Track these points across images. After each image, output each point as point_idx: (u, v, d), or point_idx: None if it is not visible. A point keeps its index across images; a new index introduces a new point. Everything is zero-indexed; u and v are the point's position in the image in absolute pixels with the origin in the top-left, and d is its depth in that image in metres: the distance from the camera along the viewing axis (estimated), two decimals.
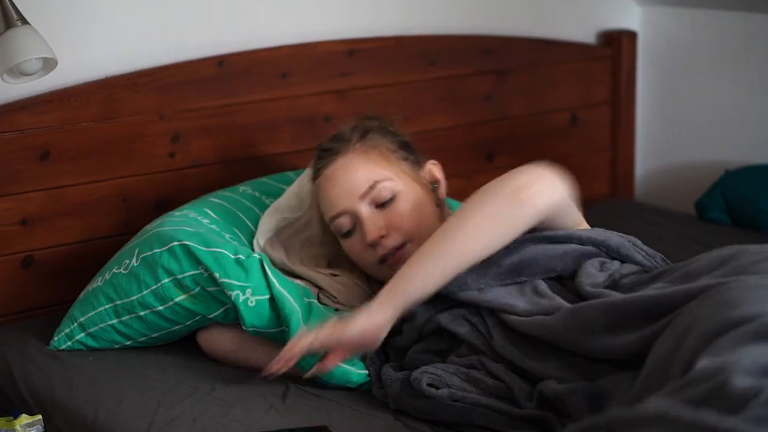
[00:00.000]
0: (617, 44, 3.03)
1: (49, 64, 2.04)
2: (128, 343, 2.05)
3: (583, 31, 3.06)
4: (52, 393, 1.93)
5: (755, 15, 2.90)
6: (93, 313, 2.04)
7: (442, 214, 1.99)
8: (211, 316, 1.97)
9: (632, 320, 1.56)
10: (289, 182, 2.34)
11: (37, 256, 2.26)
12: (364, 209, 1.93)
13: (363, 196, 1.92)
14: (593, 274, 1.73)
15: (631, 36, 3.06)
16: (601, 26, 3.08)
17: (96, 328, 2.04)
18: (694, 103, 3.06)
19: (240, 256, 1.93)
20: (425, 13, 2.77)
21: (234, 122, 2.48)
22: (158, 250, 1.99)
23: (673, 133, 3.09)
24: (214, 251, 1.94)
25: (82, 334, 2.05)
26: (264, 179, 2.38)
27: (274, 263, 2.06)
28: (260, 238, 2.16)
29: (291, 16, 2.60)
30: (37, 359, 2.04)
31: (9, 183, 2.21)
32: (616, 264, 1.78)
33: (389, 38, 2.68)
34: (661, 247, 1.91)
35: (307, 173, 2.18)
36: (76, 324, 2.05)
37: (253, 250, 2.11)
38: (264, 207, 2.26)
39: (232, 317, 1.95)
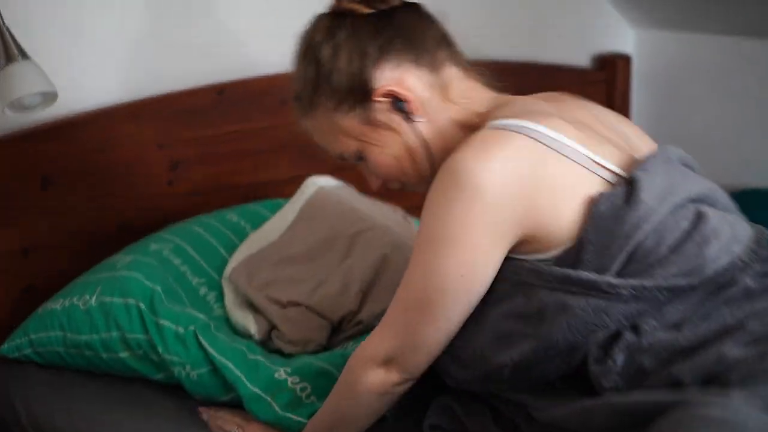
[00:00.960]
0: (611, 68, 3.08)
1: (49, 97, 2.08)
2: (71, 366, 2.13)
3: (578, 55, 3.10)
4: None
5: (746, 40, 2.95)
6: (44, 334, 2.12)
7: (437, 126, 1.65)
8: (153, 378, 2.04)
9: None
10: (277, 208, 2.38)
11: (38, 283, 2.29)
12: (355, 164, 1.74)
13: (341, 160, 1.75)
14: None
15: (625, 59, 3.11)
16: (595, 50, 3.13)
17: (43, 349, 2.13)
18: (686, 126, 3.11)
19: (180, 329, 1.99)
20: None
21: (233, 150, 2.52)
22: (116, 301, 2.06)
23: None
24: (160, 323, 2.01)
25: (30, 350, 2.15)
26: (252, 205, 2.44)
27: (237, 291, 2.13)
28: (228, 267, 2.22)
29: (290, 43, 2.63)
30: (36, 386, 2.09)
31: (10, 212, 2.24)
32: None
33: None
34: None
35: (294, 200, 2.25)
36: (26, 339, 2.14)
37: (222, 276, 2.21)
38: (244, 236, 2.32)
39: (174, 383, 2.01)
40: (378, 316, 2.11)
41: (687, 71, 3.10)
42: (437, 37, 1.65)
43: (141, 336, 2.03)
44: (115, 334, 2.05)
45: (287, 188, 2.57)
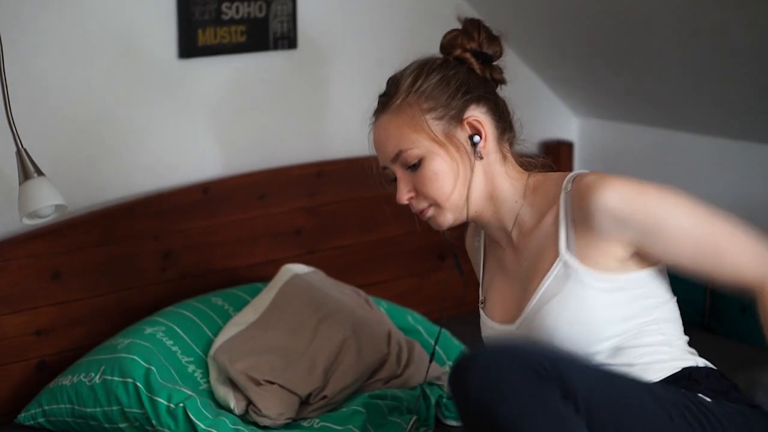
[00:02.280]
0: (555, 153, 3.43)
1: (60, 208, 2.44)
2: None
3: (526, 142, 3.46)
4: None
5: (676, 132, 3.32)
6: (55, 406, 2.48)
7: (488, 174, 1.94)
8: None
9: None
10: (257, 292, 2.74)
11: (50, 360, 2.65)
12: (398, 170, 1.95)
13: (393, 160, 1.94)
14: None
15: (568, 146, 3.47)
16: (541, 137, 3.48)
17: (54, 418, 2.49)
18: None
19: (171, 405, 2.34)
20: None
21: (217, 239, 2.87)
22: (117, 379, 2.41)
23: None
24: (154, 399, 2.36)
25: (43, 419, 2.51)
26: (235, 290, 2.77)
27: (220, 369, 2.48)
28: (213, 347, 2.55)
29: (268, 144, 3.01)
30: None
31: (25, 300, 2.59)
32: None
33: (353, 159, 3.09)
34: None
35: (271, 286, 2.66)
36: (40, 409, 2.51)
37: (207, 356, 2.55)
38: (228, 318, 2.66)
39: None
40: (340, 393, 2.49)
41: (624, 157, 3.46)
42: (510, 118, 2.00)
43: (138, 410, 2.39)
44: (115, 408, 2.41)
45: (263, 270, 2.90)
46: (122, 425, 2.41)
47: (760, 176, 3.20)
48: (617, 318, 1.83)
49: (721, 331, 3.17)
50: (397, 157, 1.92)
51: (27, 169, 2.40)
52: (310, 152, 3.06)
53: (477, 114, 1.91)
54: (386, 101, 1.95)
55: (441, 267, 3.25)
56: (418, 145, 1.90)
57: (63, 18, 2.63)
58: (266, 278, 2.84)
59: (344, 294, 2.76)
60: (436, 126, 1.90)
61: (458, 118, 1.91)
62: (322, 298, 2.68)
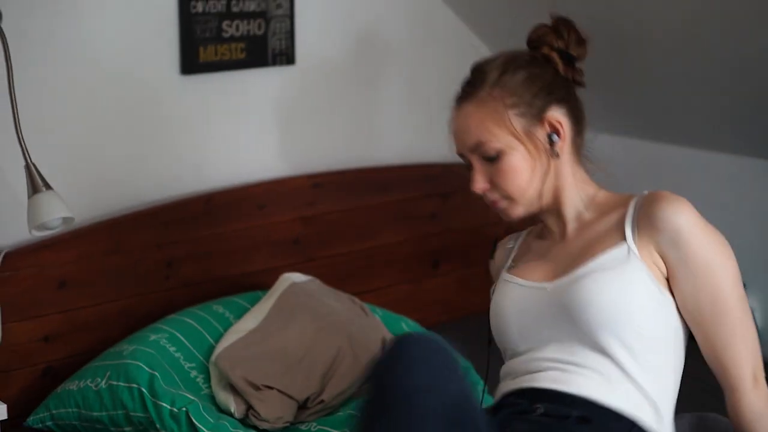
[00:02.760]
0: None
1: (67, 220, 2.54)
2: None
3: None
4: None
5: (670, 146, 3.41)
6: (62, 410, 2.59)
7: (559, 172, 1.95)
8: None
9: None
10: (256, 300, 2.85)
11: (56, 366, 2.75)
12: (474, 160, 1.96)
13: (472, 150, 1.95)
14: None
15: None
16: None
17: (62, 422, 2.60)
18: None
19: (174, 409, 2.44)
20: (378, 149, 3.29)
21: (218, 248, 2.97)
22: (122, 385, 2.51)
23: None
24: (158, 403, 2.46)
25: (51, 422, 2.61)
26: (235, 298, 2.88)
27: (221, 374, 2.58)
28: (215, 353, 2.65)
29: (267, 156, 3.11)
30: None
31: (33, 308, 2.69)
32: None
33: (348, 171, 3.19)
34: None
35: (270, 294, 2.76)
36: (48, 413, 2.61)
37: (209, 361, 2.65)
38: (229, 325, 2.76)
39: None
40: (336, 397, 2.59)
41: (616, 169, 3.53)
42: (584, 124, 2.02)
43: (142, 414, 2.49)
44: (120, 412, 2.52)
45: (263, 278, 3.01)
46: (127, 429, 2.52)
47: (752, 189, 3.29)
48: (654, 316, 1.85)
49: None
50: (477, 147, 1.94)
51: (36, 182, 2.50)
52: (307, 164, 3.17)
53: (557, 114, 1.93)
54: (470, 91, 1.96)
55: (434, 274, 3.35)
56: (499, 138, 1.92)
57: (70, 36, 2.73)
58: (266, 286, 2.94)
59: (340, 302, 2.86)
60: (518, 122, 1.92)
61: (539, 116, 1.93)
62: (319, 306, 2.79)
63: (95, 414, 2.54)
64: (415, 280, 3.30)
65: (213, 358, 2.65)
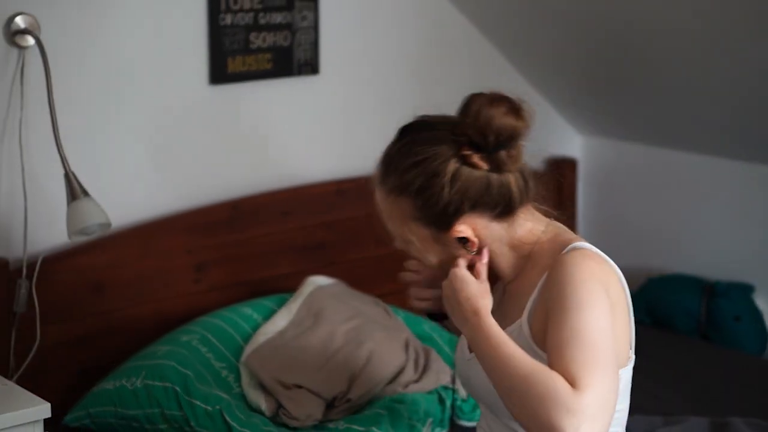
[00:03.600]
0: (559, 170, 3.62)
1: (105, 226, 2.63)
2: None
3: (530, 158, 3.66)
4: None
5: (679, 152, 3.51)
6: (99, 408, 2.68)
7: (489, 250, 1.86)
8: None
9: None
10: (283, 302, 2.94)
11: (92, 366, 2.83)
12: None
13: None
14: None
15: (572, 163, 3.67)
16: (545, 154, 3.66)
17: (99, 420, 2.69)
18: (623, 220, 3.66)
19: (208, 407, 2.54)
20: None
21: (244, 253, 3.07)
22: (157, 384, 2.61)
23: (603, 246, 3.68)
24: (193, 402, 2.56)
25: (88, 420, 2.70)
26: (263, 300, 2.97)
27: (251, 374, 2.68)
28: (245, 353, 2.75)
29: (292, 163, 3.21)
30: None
31: (70, 310, 2.79)
32: None
33: (369, 178, 3.27)
34: None
35: (296, 296, 2.86)
36: (85, 411, 2.70)
37: (239, 360, 2.74)
38: (257, 326, 2.85)
39: None
40: (362, 396, 2.69)
41: (625, 175, 3.66)
42: (526, 188, 1.84)
43: (177, 413, 2.59)
44: (156, 410, 2.61)
45: (288, 282, 3.10)
46: (162, 426, 2.61)
47: (758, 195, 3.39)
48: None
49: (716, 338, 3.36)
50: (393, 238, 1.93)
51: (74, 189, 2.60)
52: (330, 171, 3.27)
53: (467, 222, 1.83)
54: (381, 174, 1.91)
55: None
56: (406, 237, 1.88)
57: (104, 49, 2.83)
58: (291, 289, 3.03)
59: (364, 303, 2.96)
60: (423, 231, 1.85)
61: (445, 230, 1.84)
62: (344, 307, 2.88)
63: (131, 412, 2.64)
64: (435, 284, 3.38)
65: (243, 358, 2.75)
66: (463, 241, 1.84)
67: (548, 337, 1.72)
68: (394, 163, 1.87)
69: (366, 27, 3.30)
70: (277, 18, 3.07)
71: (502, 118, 1.79)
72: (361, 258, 3.28)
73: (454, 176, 1.80)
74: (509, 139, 1.80)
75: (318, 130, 3.26)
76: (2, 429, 2.23)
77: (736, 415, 2.72)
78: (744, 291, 3.38)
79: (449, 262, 1.85)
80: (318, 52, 3.18)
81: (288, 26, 3.10)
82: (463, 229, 1.83)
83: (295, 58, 3.13)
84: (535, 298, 1.81)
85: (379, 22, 3.33)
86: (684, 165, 3.51)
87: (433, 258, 1.88)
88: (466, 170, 1.80)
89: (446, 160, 1.81)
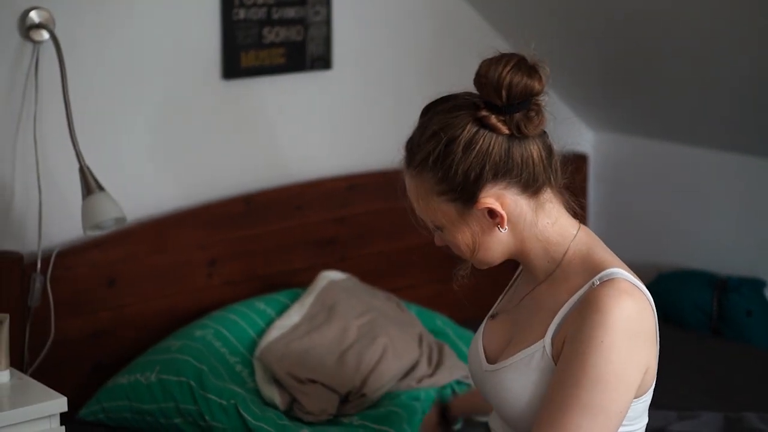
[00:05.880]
0: (570, 165, 3.63)
1: (120, 221, 2.64)
2: (135, 427, 2.69)
3: None
4: None
5: (690, 148, 3.51)
6: (114, 403, 2.69)
7: (516, 236, 1.80)
8: None
9: None
10: (296, 297, 2.95)
11: (106, 361, 2.84)
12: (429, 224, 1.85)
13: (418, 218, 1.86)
14: None
15: (582, 159, 3.67)
16: (556, 149, 3.67)
17: (113, 414, 2.69)
18: (633, 215, 3.66)
19: (223, 401, 2.55)
20: None
21: (257, 247, 3.07)
22: (172, 378, 2.62)
23: (614, 241, 3.68)
24: (207, 396, 2.57)
25: (102, 415, 2.70)
26: (276, 295, 2.97)
27: (265, 368, 2.68)
28: (258, 348, 2.75)
29: (304, 158, 3.21)
30: None
31: (84, 305, 2.79)
32: None
33: (381, 173, 3.29)
34: None
35: (309, 291, 2.88)
36: (99, 406, 2.70)
37: (253, 355, 2.74)
38: (270, 320, 2.86)
39: None
40: (376, 391, 2.69)
41: (637, 170, 3.66)
42: (550, 164, 1.81)
43: (192, 407, 2.59)
44: (171, 404, 2.62)
45: (300, 276, 3.11)
46: (176, 420, 2.62)
47: (763, 188, 3.39)
48: None
49: (729, 334, 3.36)
50: (419, 219, 1.86)
51: (89, 184, 2.61)
52: (342, 166, 3.27)
53: (492, 193, 1.75)
54: (406, 159, 1.83)
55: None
56: (435, 217, 1.81)
57: (118, 43, 2.83)
58: (303, 283, 3.04)
59: (377, 298, 2.96)
60: (449, 207, 1.78)
61: (473, 201, 1.76)
62: (357, 302, 2.89)
63: (146, 406, 2.64)
64: (447, 278, 3.36)
65: (257, 353, 2.75)
66: (491, 215, 1.76)
67: (556, 384, 1.71)
68: (416, 141, 1.80)
69: (378, 22, 3.30)
70: (290, 13, 3.07)
71: (512, 75, 1.73)
72: (374, 253, 3.29)
73: (472, 139, 1.74)
74: (522, 97, 1.73)
75: (330, 125, 3.26)
76: (19, 422, 2.24)
77: (749, 410, 2.72)
78: (756, 286, 3.38)
79: (483, 254, 1.79)
80: (331, 46, 3.18)
81: (301, 21, 3.10)
82: (490, 201, 1.75)
83: (307, 53, 3.13)
84: (560, 323, 1.77)
85: (391, 17, 3.33)
86: (695, 160, 3.52)
87: (466, 247, 1.80)
88: (484, 133, 1.74)
89: (464, 125, 1.75)
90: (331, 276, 2.99)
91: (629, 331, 1.71)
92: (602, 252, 1.82)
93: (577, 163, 3.66)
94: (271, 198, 3.10)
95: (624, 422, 1.77)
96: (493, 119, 1.74)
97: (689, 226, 3.55)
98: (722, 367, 3.11)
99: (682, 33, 3.10)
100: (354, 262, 3.24)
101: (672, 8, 3.04)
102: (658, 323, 1.82)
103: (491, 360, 1.87)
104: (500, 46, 3.47)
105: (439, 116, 1.78)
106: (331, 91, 3.24)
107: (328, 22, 3.15)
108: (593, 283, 1.75)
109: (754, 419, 2.65)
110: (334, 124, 3.27)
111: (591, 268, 1.78)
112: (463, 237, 1.79)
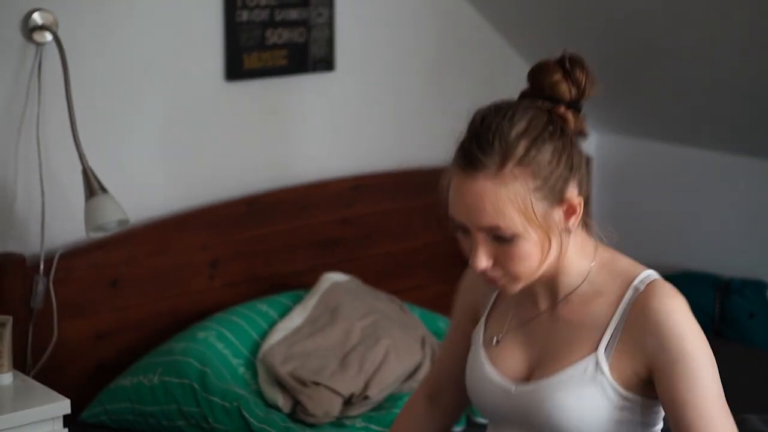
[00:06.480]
0: None
1: (123, 222, 2.64)
2: (137, 429, 2.69)
3: None
4: None
5: (694, 149, 3.51)
6: (116, 405, 2.69)
7: (563, 246, 1.71)
8: None
9: None
10: (299, 299, 2.95)
11: (108, 362, 2.84)
12: (480, 237, 1.68)
13: (481, 229, 1.67)
14: None
15: (586, 160, 3.66)
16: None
17: (115, 416, 2.69)
18: (638, 217, 3.66)
19: (226, 403, 2.55)
20: (414, 152, 3.39)
21: (261, 249, 3.07)
22: (175, 380, 2.62)
23: (616, 243, 3.69)
24: (210, 398, 2.57)
25: (105, 417, 2.71)
26: (279, 297, 2.97)
27: (268, 370, 2.68)
28: (261, 350, 2.75)
29: (308, 159, 3.22)
30: None
31: (86, 306, 2.79)
32: None
33: (385, 174, 3.29)
34: None
35: (312, 293, 2.87)
36: (102, 408, 2.71)
37: (256, 357, 2.74)
38: (273, 322, 2.85)
39: None
40: (379, 393, 2.69)
41: (640, 172, 3.66)
42: (587, 176, 1.78)
43: (194, 409, 2.59)
44: (173, 406, 2.62)
45: (304, 278, 3.11)
46: (179, 422, 2.62)
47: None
48: (615, 429, 1.73)
49: (731, 335, 3.36)
50: (490, 230, 1.67)
51: (92, 186, 2.61)
52: (346, 167, 3.27)
53: (574, 193, 1.69)
54: (485, 162, 1.67)
55: None
56: (517, 224, 1.66)
57: (122, 44, 2.84)
58: (306, 285, 3.04)
59: (380, 300, 2.96)
60: (539, 206, 1.66)
61: (560, 198, 1.68)
62: (360, 304, 2.89)
63: (148, 408, 2.64)
64: (451, 280, 3.36)
65: (260, 355, 2.75)
66: (568, 215, 1.68)
67: (681, 399, 1.71)
68: (496, 144, 1.66)
69: (381, 24, 3.30)
70: (293, 14, 3.08)
71: (583, 74, 1.73)
72: (377, 254, 3.29)
73: (557, 136, 1.67)
74: (582, 97, 1.72)
75: (333, 127, 3.26)
76: (23, 425, 2.24)
77: (751, 412, 2.72)
78: (758, 288, 3.38)
79: (544, 264, 1.71)
80: (333, 48, 3.18)
81: (304, 23, 3.10)
82: (575, 194, 1.68)
83: (310, 55, 3.13)
84: (613, 335, 1.71)
85: (394, 19, 3.33)
86: (699, 162, 3.52)
87: (539, 254, 1.69)
88: (565, 130, 1.69)
89: (546, 122, 1.68)
90: (334, 278, 2.99)
91: (699, 328, 1.75)
92: (621, 257, 1.78)
93: None
94: (274, 199, 3.10)
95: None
96: (570, 115, 1.71)
97: (691, 228, 3.55)
98: (724, 369, 3.09)
99: (683, 33, 3.10)
100: (359, 263, 3.24)
101: (672, 8, 3.04)
102: None
103: (521, 380, 1.79)
104: (501, 46, 3.52)
105: (519, 115, 1.68)
106: (334, 93, 3.24)
107: (330, 24, 3.15)
108: (637, 289, 1.70)
109: (757, 421, 2.65)
110: (337, 126, 3.27)
111: (622, 274, 1.74)
112: (536, 242, 1.68)
